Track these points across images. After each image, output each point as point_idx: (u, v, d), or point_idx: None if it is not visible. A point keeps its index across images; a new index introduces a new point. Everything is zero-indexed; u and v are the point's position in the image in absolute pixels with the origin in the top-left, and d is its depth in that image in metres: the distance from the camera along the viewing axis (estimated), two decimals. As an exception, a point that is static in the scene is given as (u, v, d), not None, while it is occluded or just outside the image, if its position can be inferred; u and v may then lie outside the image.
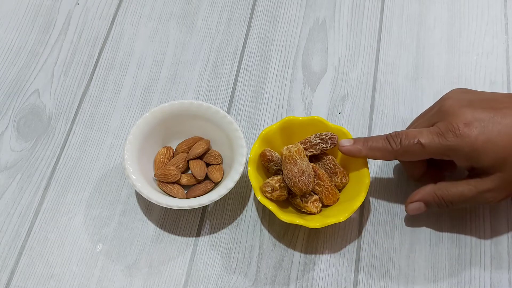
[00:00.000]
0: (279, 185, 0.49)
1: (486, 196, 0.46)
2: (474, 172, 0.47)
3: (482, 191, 0.46)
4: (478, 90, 0.51)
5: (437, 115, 0.48)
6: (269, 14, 0.64)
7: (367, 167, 0.50)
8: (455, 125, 0.45)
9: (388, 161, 0.54)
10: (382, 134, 0.56)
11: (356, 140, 0.49)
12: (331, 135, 0.51)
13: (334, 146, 0.51)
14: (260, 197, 0.48)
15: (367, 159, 0.50)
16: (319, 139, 0.51)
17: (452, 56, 0.61)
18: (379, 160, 0.55)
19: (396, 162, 0.55)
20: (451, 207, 0.48)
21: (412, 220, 0.52)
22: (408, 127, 0.52)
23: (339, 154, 0.52)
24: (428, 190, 0.49)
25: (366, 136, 0.56)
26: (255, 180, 0.49)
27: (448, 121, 0.46)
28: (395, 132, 0.48)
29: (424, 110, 0.52)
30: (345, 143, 0.49)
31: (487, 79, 0.59)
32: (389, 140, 0.48)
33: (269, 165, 0.51)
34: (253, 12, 0.64)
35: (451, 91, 0.50)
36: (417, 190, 0.49)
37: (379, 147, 0.48)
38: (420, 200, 0.49)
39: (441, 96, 0.50)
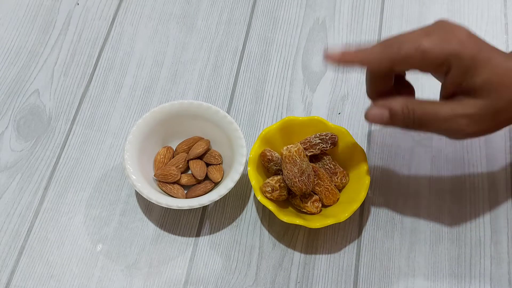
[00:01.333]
0: (279, 185, 0.49)
1: (459, 122, 0.41)
2: (453, 96, 0.43)
3: (458, 115, 0.41)
4: None
5: (434, 27, 0.43)
6: (269, 15, 0.64)
7: (367, 167, 0.50)
8: (459, 34, 0.41)
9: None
10: (382, 136, 0.56)
11: (345, 51, 0.43)
12: (331, 135, 0.51)
13: (334, 146, 0.51)
14: (260, 197, 0.48)
15: (365, 159, 0.49)
16: (319, 139, 0.51)
17: (452, 56, 0.61)
18: (378, 158, 0.55)
19: (397, 162, 0.55)
20: (417, 127, 0.43)
21: (412, 220, 0.52)
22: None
23: (339, 154, 0.52)
24: (399, 99, 0.43)
25: (366, 136, 0.56)
26: (255, 180, 0.49)
27: (450, 30, 0.41)
28: (392, 37, 0.42)
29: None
30: (333, 51, 0.43)
31: (487, 79, 0.59)
32: (386, 45, 0.42)
33: (269, 165, 0.51)
34: (253, 12, 0.64)
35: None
36: (386, 98, 0.43)
37: (375, 52, 0.42)
38: (386, 107, 0.43)
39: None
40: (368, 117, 0.43)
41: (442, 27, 0.43)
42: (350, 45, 0.43)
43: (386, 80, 0.45)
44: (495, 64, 0.41)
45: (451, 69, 0.42)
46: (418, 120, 0.42)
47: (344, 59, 0.42)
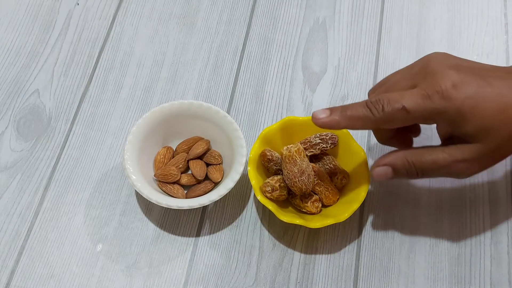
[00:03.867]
0: (279, 185, 0.49)
1: (460, 167, 0.43)
2: (451, 141, 0.44)
3: (457, 160, 0.43)
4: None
5: (420, 75, 0.43)
6: (269, 15, 0.64)
7: (368, 167, 0.50)
8: (443, 86, 0.41)
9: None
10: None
11: (332, 110, 0.44)
12: (331, 135, 0.51)
13: (334, 146, 0.51)
14: (260, 197, 0.48)
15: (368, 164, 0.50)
16: (319, 139, 0.51)
17: (452, 56, 0.61)
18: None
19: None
20: (421, 176, 0.44)
21: (412, 220, 0.52)
22: (382, 85, 0.47)
23: (339, 154, 0.52)
24: (399, 155, 0.44)
25: (366, 137, 0.56)
26: (255, 180, 0.49)
27: (434, 82, 0.42)
28: (375, 97, 0.43)
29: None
30: (320, 114, 0.44)
31: (487, 79, 0.59)
32: (369, 107, 0.43)
33: (269, 165, 0.51)
34: (253, 12, 0.64)
35: (434, 53, 0.45)
36: (387, 153, 0.45)
37: (359, 116, 0.43)
38: (388, 164, 0.44)
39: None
40: (374, 177, 0.45)
41: (425, 73, 0.43)
42: (334, 106, 0.45)
43: (390, 130, 0.47)
44: (482, 108, 0.41)
45: (438, 123, 0.43)
46: (420, 171, 0.44)
47: (330, 124, 0.44)
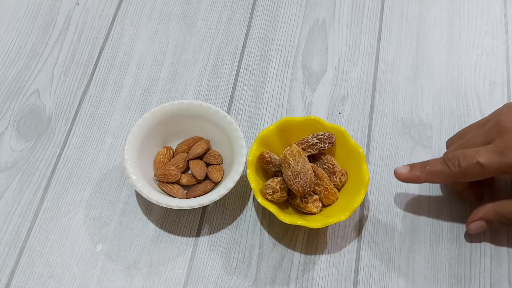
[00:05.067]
0: (279, 187, 0.49)
1: None
2: None
3: None
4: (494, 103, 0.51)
5: (494, 131, 0.47)
6: (269, 14, 0.64)
7: (366, 165, 0.50)
8: None
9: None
10: (382, 136, 0.56)
11: (412, 166, 0.49)
12: (329, 135, 0.51)
13: (332, 145, 0.51)
14: (260, 199, 0.48)
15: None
16: (316, 139, 0.51)
17: (452, 56, 0.61)
18: (378, 158, 0.55)
19: (397, 162, 0.55)
20: None
21: (412, 220, 0.52)
22: (456, 138, 0.52)
23: (337, 153, 0.52)
24: (488, 209, 0.49)
25: (366, 136, 0.56)
26: (254, 182, 0.49)
27: (507, 138, 0.45)
28: (452, 153, 0.47)
29: (473, 122, 0.51)
30: (402, 170, 0.49)
31: (487, 79, 0.59)
32: (447, 162, 0.47)
33: (268, 167, 0.51)
34: (253, 12, 0.64)
35: (507, 105, 0.49)
36: (477, 209, 0.49)
37: (437, 171, 0.47)
38: (481, 218, 0.49)
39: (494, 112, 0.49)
40: (472, 231, 0.49)
41: (499, 130, 0.47)
42: (415, 163, 0.49)
43: (462, 181, 0.50)
44: None
45: None
46: (510, 220, 0.48)
47: (411, 179, 0.48)
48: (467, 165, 0.46)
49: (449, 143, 0.53)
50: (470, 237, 0.51)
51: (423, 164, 0.48)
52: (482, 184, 0.52)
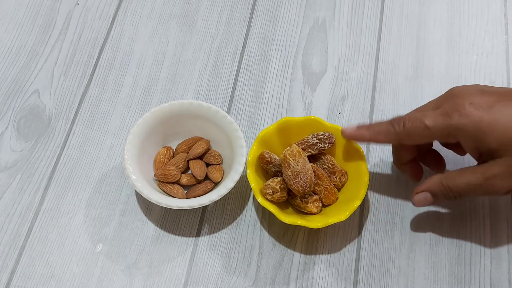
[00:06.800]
0: (279, 187, 0.49)
1: (494, 184, 0.44)
2: (482, 159, 0.45)
3: (489, 178, 0.43)
4: None
5: (445, 98, 0.46)
6: (269, 14, 0.64)
7: (366, 165, 0.50)
8: (461, 105, 0.44)
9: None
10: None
11: (359, 126, 0.49)
12: (329, 135, 0.51)
13: (332, 145, 0.51)
14: (260, 200, 0.48)
15: (367, 162, 0.50)
16: (316, 139, 0.51)
17: (452, 56, 0.61)
18: (378, 158, 0.55)
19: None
20: (459, 198, 0.46)
21: (412, 220, 0.52)
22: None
23: (337, 153, 0.52)
24: (434, 180, 0.46)
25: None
26: (254, 182, 0.49)
27: (454, 102, 0.44)
28: (398, 116, 0.47)
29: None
30: (348, 128, 0.49)
31: (487, 79, 0.59)
32: (392, 123, 0.47)
33: (268, 167, 0.51)
34: (253, 12, 0.64)
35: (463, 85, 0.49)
36: (424, 181, 0.48)
37: (382, 130, 0.47)
38: (426, 190, 0.47)
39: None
40: (416, 203, 0.48)
41: (449, 97, 0.46)
42: (363, 123, 0.50)
43: (409, 152, 0.50)
44: (503, 122, 0.43)
45: (460, 140, 0.45)
46: (456, 194, 0.45)
47: (356, 136, 0.49)
48: (411, 126, 0.45)
49: None
50: (470, 237, 0.51)
51: (370, 124, 0.49)
52: (429, 162, 0.52)
